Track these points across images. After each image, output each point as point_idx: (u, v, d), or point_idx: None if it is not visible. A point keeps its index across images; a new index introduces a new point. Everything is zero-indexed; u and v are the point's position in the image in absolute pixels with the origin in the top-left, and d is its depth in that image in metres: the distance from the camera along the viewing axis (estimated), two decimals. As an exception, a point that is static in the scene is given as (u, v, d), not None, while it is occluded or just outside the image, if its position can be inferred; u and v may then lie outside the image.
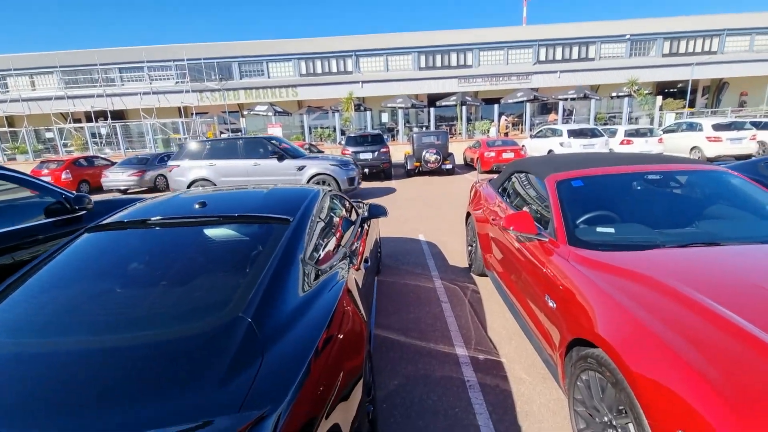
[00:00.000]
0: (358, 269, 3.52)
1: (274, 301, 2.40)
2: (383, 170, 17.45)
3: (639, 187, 4.03)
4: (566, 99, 32.90)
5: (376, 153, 17.19)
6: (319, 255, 3.11)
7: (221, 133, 34.67)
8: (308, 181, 12.04)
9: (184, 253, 2.92)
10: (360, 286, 3.34)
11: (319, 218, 3.50)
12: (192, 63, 37.53)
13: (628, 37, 38.86)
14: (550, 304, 3.32)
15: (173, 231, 3.12)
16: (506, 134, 31.70)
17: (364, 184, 16.18)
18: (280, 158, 12.19)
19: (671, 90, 39.72)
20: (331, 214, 3.95)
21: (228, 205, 3.47)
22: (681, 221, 3.60)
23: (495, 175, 9.65)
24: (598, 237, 3.47)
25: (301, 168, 12.15)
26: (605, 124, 31.46)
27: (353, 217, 4.73)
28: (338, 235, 3.79)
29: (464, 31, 39.23)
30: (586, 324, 2.79)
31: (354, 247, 3.89)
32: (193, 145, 12.56)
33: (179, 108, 36.43)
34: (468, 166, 20.72)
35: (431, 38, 38.72)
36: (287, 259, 2.73)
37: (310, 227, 3.20)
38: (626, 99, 32.27)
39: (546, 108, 36.32)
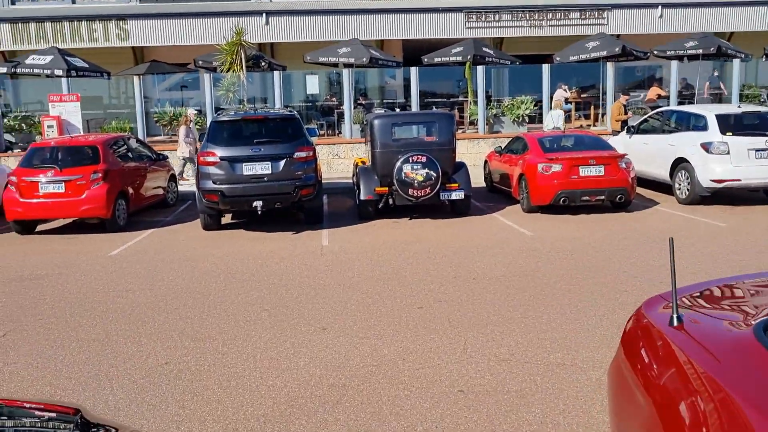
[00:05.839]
0: None
1: None
2: (300, 204, 9.76)
3: None
4: (682, 57, 18.52)
5: (284, 163, 9.44)
6: None
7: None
8: None
9: None
10: None
11: None
12: None
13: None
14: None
15: None
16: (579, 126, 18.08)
17: (248, 239, 9.56)
18: None
19: None
20: None
21: None
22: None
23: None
24: None
25: None
26: (763, 102, 18.28)
27: None
28: None
29: None
30: None
31: None
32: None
33: None
34: (495, 192, 12.12)
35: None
36: None
37: None
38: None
39: (636, 74, 20.93)
